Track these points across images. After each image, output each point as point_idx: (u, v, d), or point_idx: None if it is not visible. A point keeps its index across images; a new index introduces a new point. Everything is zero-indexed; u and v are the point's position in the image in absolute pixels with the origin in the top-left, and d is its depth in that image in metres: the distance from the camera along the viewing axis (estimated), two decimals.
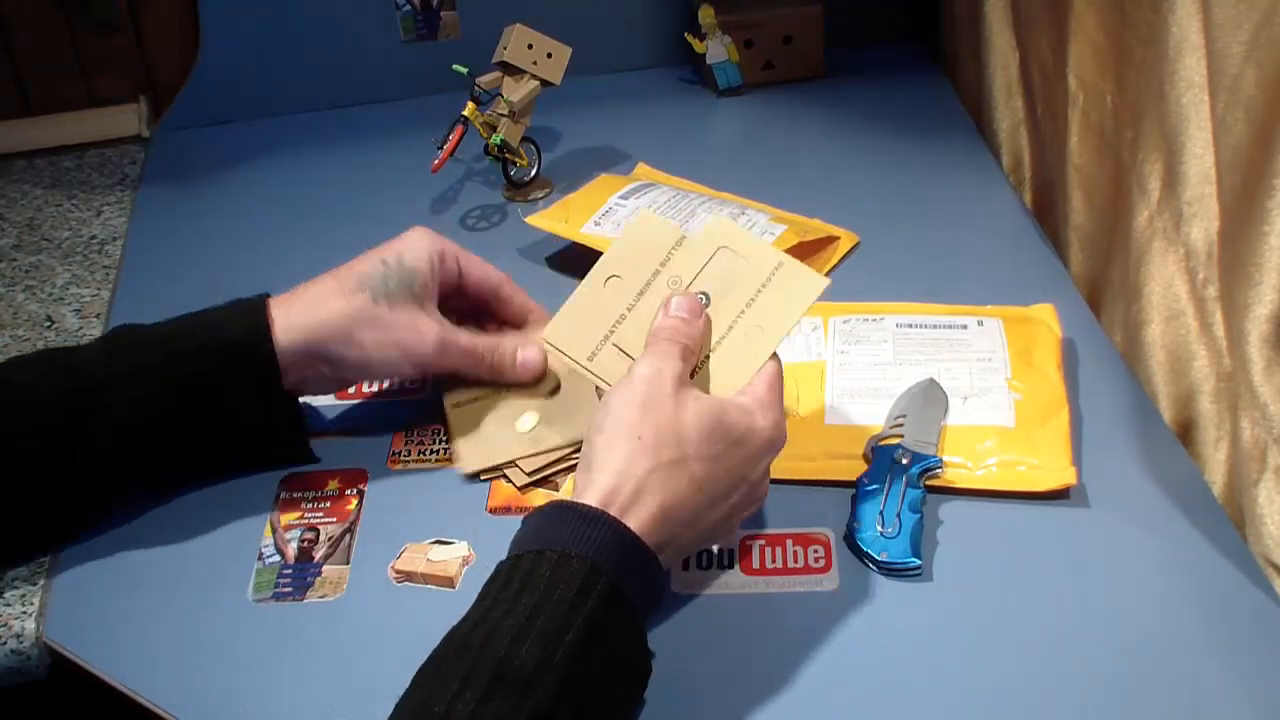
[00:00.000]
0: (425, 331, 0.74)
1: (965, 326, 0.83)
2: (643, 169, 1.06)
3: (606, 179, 1.02)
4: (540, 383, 0.79)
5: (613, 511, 0.59)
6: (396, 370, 0.77)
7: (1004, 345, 0.81)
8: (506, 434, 0.77)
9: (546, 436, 0.76)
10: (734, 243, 0.68)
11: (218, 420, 0.72)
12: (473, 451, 0.77)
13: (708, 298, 0.68)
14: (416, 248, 0.75)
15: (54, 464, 0.69)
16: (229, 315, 0.72)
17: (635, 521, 0.59)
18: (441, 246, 0.76)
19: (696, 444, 0.61)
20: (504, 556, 0.59)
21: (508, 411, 0.78)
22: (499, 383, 0.79)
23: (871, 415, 0.77)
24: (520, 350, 0.78)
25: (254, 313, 0.72)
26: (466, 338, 0.76)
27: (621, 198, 0.96)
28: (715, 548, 0.70)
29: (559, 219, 0.96)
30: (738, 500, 0.64)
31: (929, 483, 0.72)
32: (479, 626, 0.55)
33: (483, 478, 0.76)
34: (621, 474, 0.60)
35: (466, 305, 0.80)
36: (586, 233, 0.93)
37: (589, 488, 0.60)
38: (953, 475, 0.73)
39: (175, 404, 0.70)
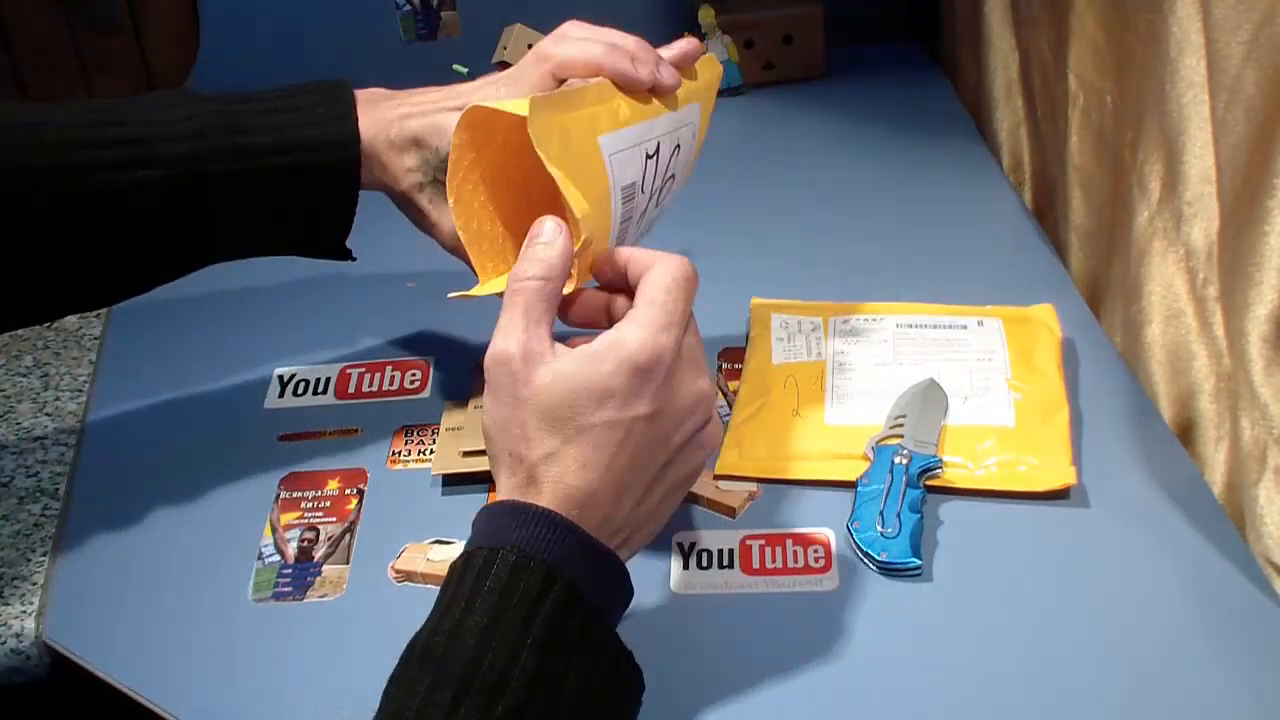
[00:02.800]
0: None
1: (965, 326, 0.83)
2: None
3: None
4: None
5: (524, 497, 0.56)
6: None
7: (1004, 345, 0.81)
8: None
9: None
10: None
11: (286, 214, 0.72)
12: (448, 457, 0.77)
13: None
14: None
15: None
16: (319, 115, 0.71)
17: (548, 498, 0.56)
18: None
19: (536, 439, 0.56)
20: None
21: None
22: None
23: (871, 415, 0.77)
24: None
25: (344, 115, 0.71)
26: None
27: None
28: (715, 548, 0.70)
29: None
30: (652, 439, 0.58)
31: (929, 483, 0.72)
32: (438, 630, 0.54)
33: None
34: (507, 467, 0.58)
35: None
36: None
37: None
38: (953, 475, 0.73)
39: (247, 192, 0.70)
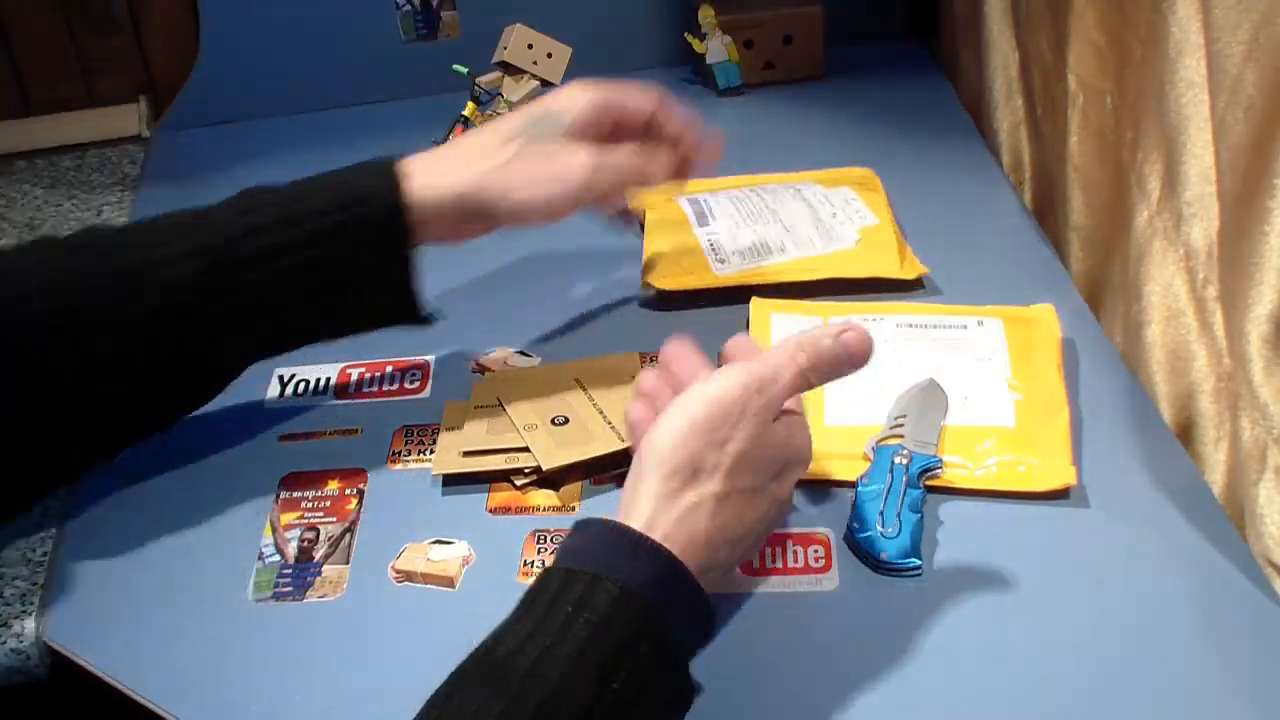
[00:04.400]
0: (575, 157, 0.74)
1: (965, 326, 0.83)
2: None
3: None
4: (546, 413, 0.78)
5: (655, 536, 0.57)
6: (551, 207, 0.74)
7: (1004, 345, 0.81)
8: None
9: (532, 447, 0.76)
10: None
11: (341, 280, 0.73)
12: (448, 457, 0.77)
13: None
14: (566, 102, 0.75)
15: (186, 333, 0.70)
16: (358, 174, 0.73)
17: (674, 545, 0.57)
18: (598, 99, 0.75)
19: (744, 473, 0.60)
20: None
21: (499, 430, 0.78)
22: (652, 188, 0.79)
23: (871, 415, 0.77)
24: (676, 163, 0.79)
25: (384, 171, 0.73)
26: (623, 155, 0.75)
27: (698, 224, 0.95)
28: None
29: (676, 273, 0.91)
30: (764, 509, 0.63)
31: (929, 483, 0.72)
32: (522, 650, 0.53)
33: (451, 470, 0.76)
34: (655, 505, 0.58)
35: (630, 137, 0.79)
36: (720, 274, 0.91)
37: (632, 510, 0.58)
38: (953, 475, 0.73)
39: (301, 262, 0.71)
